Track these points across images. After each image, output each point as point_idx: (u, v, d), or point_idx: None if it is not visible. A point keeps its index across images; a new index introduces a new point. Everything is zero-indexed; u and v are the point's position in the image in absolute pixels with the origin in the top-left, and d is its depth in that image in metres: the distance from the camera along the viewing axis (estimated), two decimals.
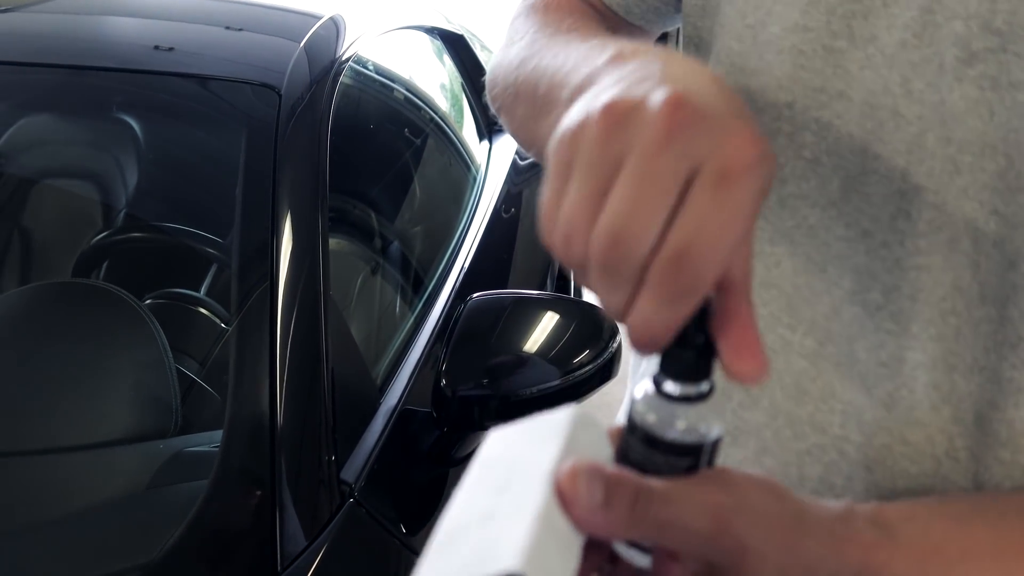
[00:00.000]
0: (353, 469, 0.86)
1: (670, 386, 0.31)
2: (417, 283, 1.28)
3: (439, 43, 1.80)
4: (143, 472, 0.87)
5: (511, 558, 0.27)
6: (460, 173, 1.61)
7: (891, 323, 0.40)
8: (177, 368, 0.96)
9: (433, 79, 1.75)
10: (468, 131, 1.77)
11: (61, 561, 0.77)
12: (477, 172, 1.65)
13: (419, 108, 1.60)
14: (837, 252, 0.41)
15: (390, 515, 0.88)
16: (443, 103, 1.72)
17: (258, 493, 0.79)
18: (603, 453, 0.33)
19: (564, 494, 0.30)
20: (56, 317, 1.00)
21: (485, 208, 1.52)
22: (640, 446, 0.32)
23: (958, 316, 0.38)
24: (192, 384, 1.01)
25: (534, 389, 0.90)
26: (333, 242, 1.05)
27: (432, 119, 1.64)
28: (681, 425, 0.31)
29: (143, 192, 1.36)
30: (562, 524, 0.30)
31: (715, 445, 0.32)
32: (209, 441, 0.92)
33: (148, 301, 1.13)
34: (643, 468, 0.32)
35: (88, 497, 0.84)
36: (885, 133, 0.39)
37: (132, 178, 1.36)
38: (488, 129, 1.82)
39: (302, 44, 1.20)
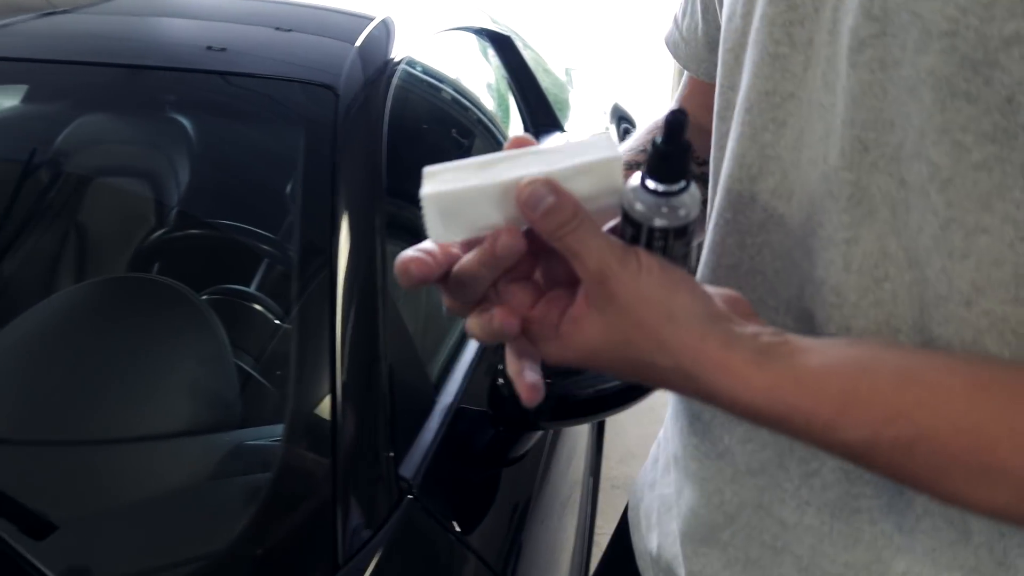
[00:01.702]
0: (411, 466, 0.87)
1: (647, 181, 0.41)
2: None
3: (486, 44, 1.81)
4: (205, 464, 0.88)
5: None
6: None
7: (834, 296, 0.46)
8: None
9: (481, 80, 1.76)
10: (515, 131, 1.77)
11: (127, 549, 0.78)
12: None
13: (468, 109, 1.61)
14: (796, 236, 0.48)
15: (446, 512, 0.88)
16: (490, 104, 1.73)
17: (320, 488, 0.80)
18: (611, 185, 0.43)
19: (523, 189, 0.40)
20: (119, 311, 1.02)
21: None
22: (622, 219, 0.43)
23: (891, 281, 0.44)
24: (248, 378, 1.03)
25: (591, 390, 0.90)
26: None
27: (480, 120, 1.64)
28: (639, 207, 0.41)
29: (196, 190, 1.38)
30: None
31: (651, 231, 0.41)
32: (268, 435, 0.93)
33: (204, 297, 1.15)
34: (622, 235, 0.43)
35: (152, 487, 0.85)
36: (812, 123, 0.45)
37: (185, 176, 1.38)
38: (535, 129, 1.83)
39: (356, 45, 1.21)
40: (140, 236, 1.35)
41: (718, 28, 0.55)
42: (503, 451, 0.96)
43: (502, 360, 0.95)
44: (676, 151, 0.40)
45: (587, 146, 0.42)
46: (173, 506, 0.82)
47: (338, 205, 0.98)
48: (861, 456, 0.40)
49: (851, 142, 0.43)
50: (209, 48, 1.31)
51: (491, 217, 0.42)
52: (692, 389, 0.42)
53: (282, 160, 1.16)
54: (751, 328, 0.42)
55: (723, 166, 0.51)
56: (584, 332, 0.42)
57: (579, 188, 0.41)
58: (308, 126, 1.08)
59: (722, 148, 0.52)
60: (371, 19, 1.31)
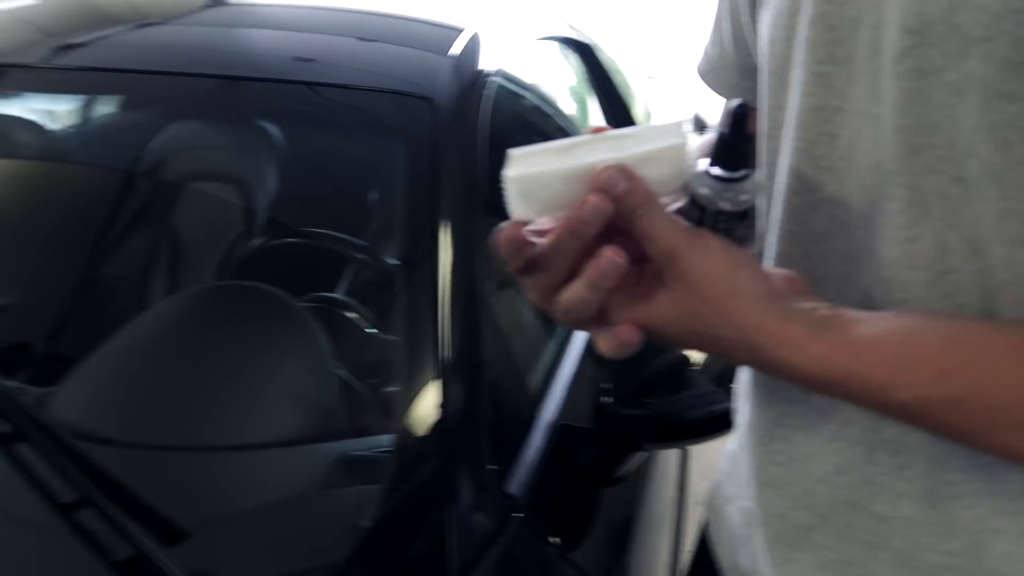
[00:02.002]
0: (516, 483, 0.86)
1: (712, 168, 0.45)
2: None
3: (570, 53, 1.80)
4: (311, 474, 0.88)
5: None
6: None
7: (902, 293, 0.48)
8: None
9: (565, 89, 1.75)
10: None
11: (237, 557, 0.79)
12: None
13: (554, 118, 1.60)
14: (859, 240, 0.50)
15: (551, 531, 0.87)
16: (575, 113, 1.72)
17: (429, 503, 0.79)
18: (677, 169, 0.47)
19: (599, 175, 0.44)
20: (225, 318, 1.03)
21: None
22: (688, 202, 0.47)
23: (956, 273, 0.46)
24: (346, 387, 1.03)
25: (701, 412, 0.87)
26: None
27: (564, 129, 1.63)
28: (703, 191, 0.45)
29: (290, 199, 1.40)
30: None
31: (716, 214, 0.46)
32: (371, 446, 0.93)
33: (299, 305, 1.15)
34: (688, 217, 0.47)
35: (261, 496, 0.85)
36: (863, 132, 0.48)
37: (278, 185, 1.40)
38: None
39: (450, 56, 1.21)
40: (234, 243, 1.37)
41: (749, 56, 0.61)
42: (606, 470, 0.94)
43: (607, 379, 0.94)
44: (739, 141, 0.44)
45: (658, 133, 0.46)
46: (282, 516, 0.82)
47: (438, 215, 0.97)
48: (917, 415, 0.44)
49: (902, 146, 0.46)
50: (298, 59, 1.32)
51: (567, 198, 0.46)
52: (754, 359, 0.47)
53: (377, 170, 1.17)
54: (807, 303, 0.46)
55: (777, 181, 0.54)
56: (655, 306, 0.46)
57: (649, 172, 0.45)
58: (405, 137, 1.08)
59: (773, 165, 0.55)
60: (461, 31, 1.31)
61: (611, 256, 0.45)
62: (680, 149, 0.45)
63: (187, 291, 1.21)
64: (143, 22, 1.47)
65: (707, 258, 0.45)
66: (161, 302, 1.17)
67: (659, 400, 0.90)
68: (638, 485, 1.05)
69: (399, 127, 1.11)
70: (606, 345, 0.48)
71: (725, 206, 0.45)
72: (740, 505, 0.66)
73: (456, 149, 1.06)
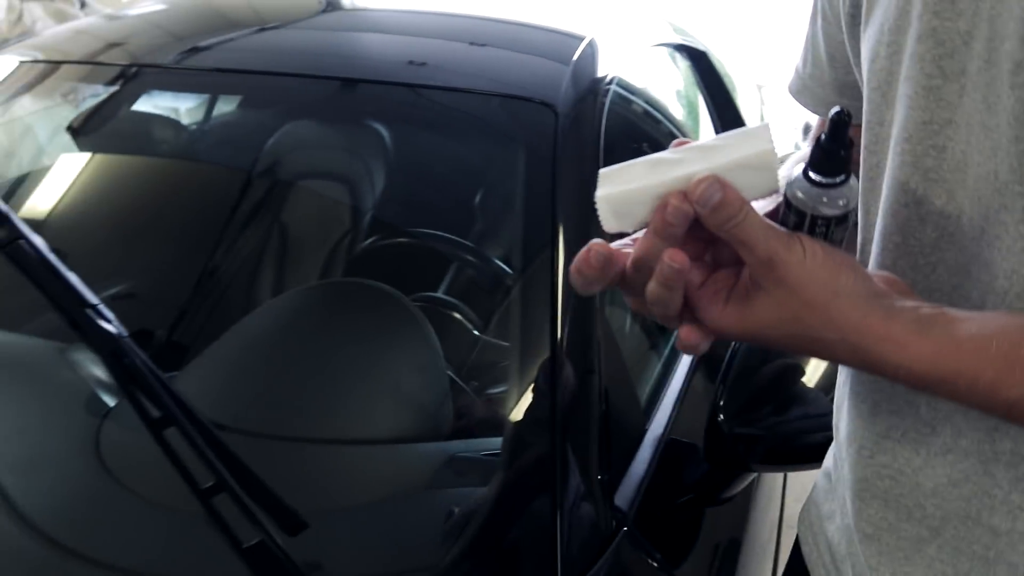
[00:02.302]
0: (624, 496, 0.85)
1: (810, 173, 0.46)
2: None
3: (684, 60, 1.77)
4: (420, 473, 0.89)
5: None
6: None
7: (1021, 303, 0.47)
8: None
9: (679, 97, 1.72)
10: None
11: (346, 551, 0.80)
12: None
13: (668, 125, 1.57)
14: (971, 252, 0.50)
15: (655, 547, 0.85)
16: (688, 121, 1.69)
17: (539, 510, 0.79)
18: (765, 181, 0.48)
19: (694, 188, 0.45)
20: (340, 314, 1.06)
21: None
22: (784, 206, 0.47)
23: None
24: (456, 388, 1.04)
25: (820, 436, 0.84)
26: None
27: (676, 136, 1.60)
28: (800, 195, 0.46)
29: (404, 199, 1.42)
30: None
31: (815, 219, 0.46)
32: (479, 448, 0.94)
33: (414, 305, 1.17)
34: (783, 221, 0.47)
35: (369, 492, 0.87)
36: (976, 144, 0.48)
37: (392, 185, 1.43)
38: None
39: (571, 64, 1.21)
40: (350, 241, 1.40)
41: (848, 73, 0.62)
42: (715, 489, 0.91)
43: (722, 396, 0.91)
44: (838, 147, 0.45)
45: (745, 139, 0.48)
46: (390, 513, 0.84)
47: (556, 223, 0.97)
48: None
49: (1020, 157, 0.45)
50: (417, 63, 1.35)
51: None
52: (858, 360, 0.47)
53: (495, 174, 1.18)
54: (910, 302, 0.46)
55: (882, 194, 0.54)
56: (754, 310, 0.47)
57: (739, 179, 0.46)
58: (526, 142, 1.08)
59: (873, 179, 0.56)
60: (582, 38, 1.31)
61: (668, 260, 0.46)
62: (769, 154, 0.47)
63: (305, 287, 1.24)
64: (263, 26, 1.53)
65: (806, 261, 0.45)
66: (279, 297, 1.21)
67: (774, 420, 0.87)
68: (743, 507, 1.02)
69: (520, 133, 1.11)
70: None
71: (824, 211, 0.46)
72: (841, 522, 0.64)
73: (575, 157, 1.06)
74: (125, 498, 0.82)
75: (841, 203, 0.46)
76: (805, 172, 0.46)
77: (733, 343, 0.95)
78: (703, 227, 0.47)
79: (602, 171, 0.50)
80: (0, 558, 0.75)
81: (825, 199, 0.46)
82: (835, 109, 0.45)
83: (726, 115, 1.81)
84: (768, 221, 0.46)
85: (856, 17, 0.58)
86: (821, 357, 0.49)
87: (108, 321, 0.52)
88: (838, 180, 0.45)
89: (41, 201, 1.39)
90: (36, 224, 1.39)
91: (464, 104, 1.16)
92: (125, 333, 0.53)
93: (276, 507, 0.60)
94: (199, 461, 0.56)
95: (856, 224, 0.59)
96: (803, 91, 0.71)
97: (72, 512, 0.81)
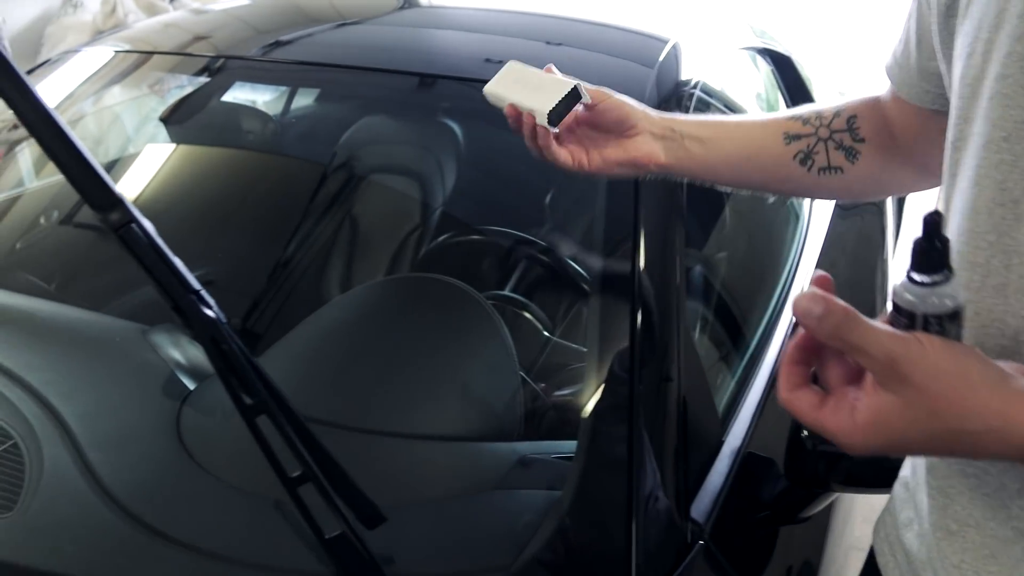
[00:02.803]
0: (701, 508, 0.83)
1: (913, 275, 0.46)
2: (747, 314, 1.22)
3: (768, 64, 1.73)
4: (492, 472, 0.89)
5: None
6: (781, 198, 1.53)
7: None
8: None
9: (760, 100, 1.69)
10: None
11: (421, 548, 0.80)
12: (800, 200, 1.56)
13: None
14: None
15: (732, 564, 0.83)
16: None
17: (613, 517, 0.77)
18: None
19: (796, 306, 0.46)
20: (412, 309, 1.06)
21: (813, 245, 1.43)
22: (893, 312, 0.47)
23: None
24: (527, 388, 1.03)
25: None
26: None
27: None
28: (908, 297, 0.46)
29: (480, 198, 1.42)
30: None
31: (926, 318, 0.46)
32: (553, 451, 0.93)
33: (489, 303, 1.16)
34: (894, 326, 0.47)
35: (440, 489, 0.87)
36: None
37: (461, 182, 1.43)
38: None
39: (656, 66, 1.19)
40: (404, 235, 1.40)
41: (931, 59, 0.64)
42: (793, 508, 0.89)
43: None
44: (934, 245, 0.45)
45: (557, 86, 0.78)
46: (462, 511, 0.84)
47: (639, 227, 0.96)
48: None
49: None
50: (488, 60, 1.34)
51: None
52: (1007, 448, 0.46)
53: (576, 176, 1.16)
54: None
55: (974, 192, 0.54)
56: (885, 418, 0.45)
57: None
58: None
59: (954, 176, 0.57)
60: (666, 41, 1.29)
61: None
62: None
63: (382, 280, 1.25)
64: (346, 22, 1.54)
65: (929, 356, 0.45)
66: (356, 289, 1.22)
67: None
68: (820, 529, 0.99)
69: None
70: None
71: (933, 309, 0.46)
72: (920, 528, 0.64)
73: None
74: (204, 479, 0.83)
75: (948, 302, 0.46)
76: (908, 274, 0.47)
77: None
78: (806, 349, 0.49)
79: (510, 64, 0.82)
80: (85, 530, 0.77)
81: (933, 298, 0.46)
82: (929, 211, 0.46)
83: None
84: (880, 324, 0.46)
85: (952, 8, 0.58)
86: (968, 454, 0.49)
87: (210, 308, 0.53)
88: (940, 278, 0.46)
89: (127, 186, 1.44)
90: None
91: None
92: (224, 320, 0.54)
93: (357, 500, 0.60)
94: (288, 450, 0.56)
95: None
96: (894, 68, 0.73)
97: (153, 490, 0.83)
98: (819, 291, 0.46)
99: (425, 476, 0.87)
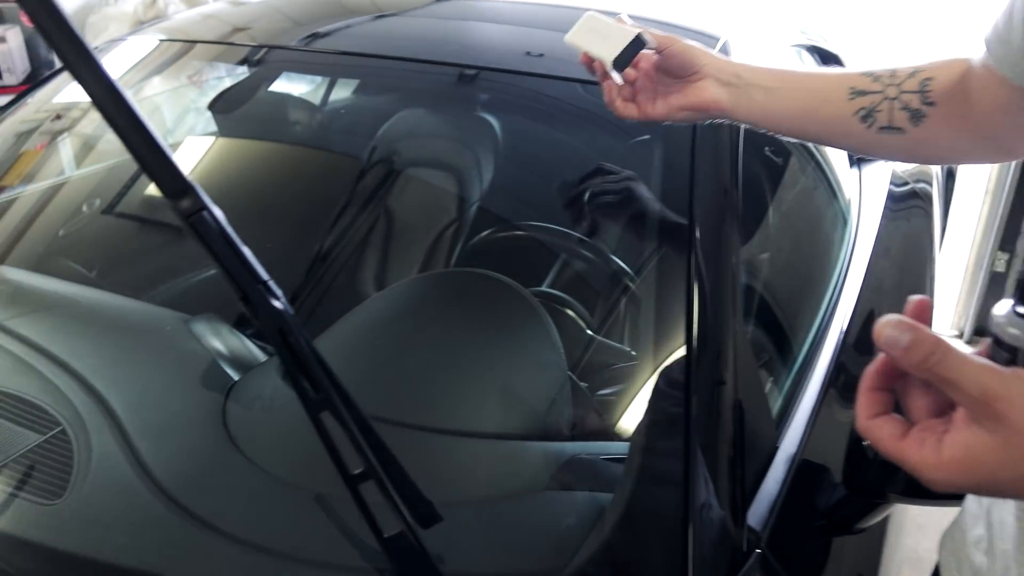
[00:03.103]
0: (757, 516, 0.80)
1: (1019, 308, 0.45)
2: (796, 318, 1.19)
3: (817, 62, 1.69)
4: (543, 472, 0.87)
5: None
6: (830, 199, 1.50)
7: None
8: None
9: None
10: (838, 157, 1.64)
11: (469, 547, 0.79)
12: (848, 200, 1.52)
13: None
14: None
15: (789, 575, 0.80)
16: None
17: (668, 523, 0.75)
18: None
19: (880, 334, 0.44)
20: (457, 304, 1.05)
21: (862, 247, 1.39)
22: (992, 344, 0.46)
23: None
24: (578, 388, 1.01)
25: None
26: None
27: (806, 146, 1.54)
28: (1012, 331, 0.44)
29: (522, 192, 1.40)
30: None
31: None
32: (604, 452, 0.91)
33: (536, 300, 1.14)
34: (994, 359, 0.45)
35: (490, 488, 0.85)
36: None
37: (493, 174, 1.41)
38: (858, 157, 1.68)
39: None
40: (440, 229, 1.39)
41: None
42: (851, 518, 0.86)
43: None
44: None
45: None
46: (514, 512, 0.82)
47: (695, 225, 0.94)
48: None
49: None
50: (528, 54, 1.32)
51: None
52: None
53: (631, 171, 1.14)
54: None
55: None
56: (975, 457, 0.43)
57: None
58: (665, 140, 1.04)
59: None
60: (715, 38, 1.26)
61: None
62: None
63: (427, 274, 1.24)
64: (386, 13, 1.53)
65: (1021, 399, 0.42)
66: (400, 283, 1.21)
67: None
68: (876, 541, 0.96)
69: (657, 130, 1.07)
70: None
71: (1001, 334, 0.45)
72: (990, 547, 0.62)
73: (713, 159, 1.02)
74: (252, 471, 0.83)
75: None
76: (1014, 308, 0.45)
77: None
78: (887, 375, 0.47)
79: (588, 15, 0.89)
80: (134, 520, 0.77)
81: (1018, 328, 0.44)
82: None
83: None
84: (973, 356, 0.44)
85: None
86: None
87: (277, 298, 0.51)
88: None
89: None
90: (157, 202, 1.45)
91: (597, 97, 1.13)
92: (291, 311, 0.53)
93: (415, 498, 0.58)
94: (345, 446, 0.55)
95: None
96: (994, 41, 0.71)
97: (201, 481, 0.83)
98: (905, 318, 0.44)
99: (474, 474, 0.86)
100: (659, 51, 0.85)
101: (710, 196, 0.97)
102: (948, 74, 0.78)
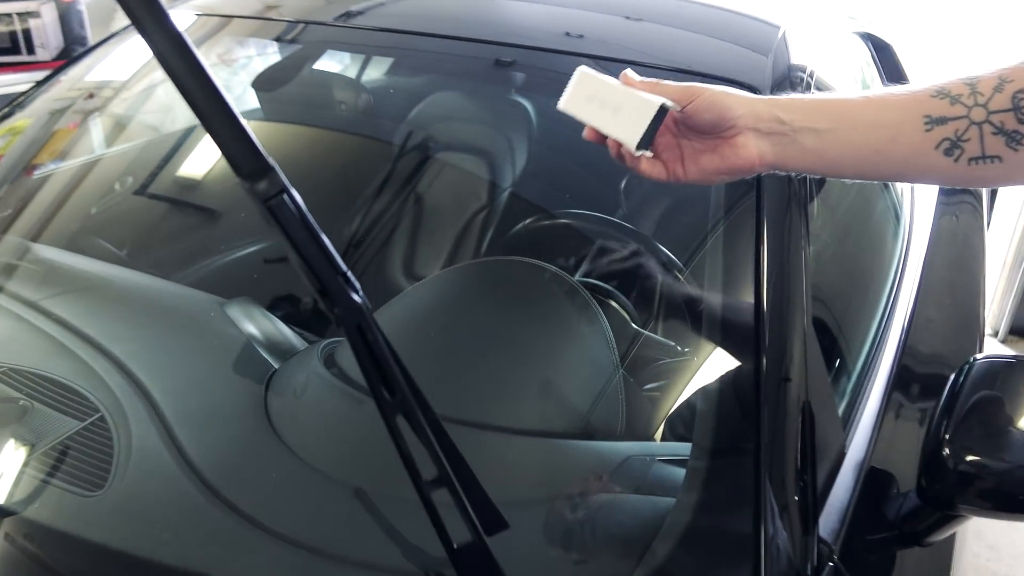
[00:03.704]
0: (829, 526, 0.77)
1: None
2: (855, 319, 1.15)
3: (870, 50, 1.64)
4: (594, 473, 0.84)
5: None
6: (882, 194, 1.45)
7: None
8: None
9: (863, 86, 1.60)
10: None
11: (526, 550, 0.75)
12: (900, 194, 1.47)
13: None
14: None
15: None
16: None
17: (739, 531, 0.72)
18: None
19: None
20: (507, 295, 1.01)
21: (917, 246, 1.35)
22: None
23: None
24: (626, 384, 0.98)
25: None
26: None
27: None
28: None
29: (570, 181, 1.36)
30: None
31: None
32: (658, 451, 0.87)
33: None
34: None
35: (544, 490, 0.82)
36: None
37: (539, 158, 1.37)
38: None
39: (771, 52, 1.12)
40: (471, 214, 1.35)
41: None
42: (925, 530, 0.82)
43: (949, 427, 0.82)
44: None
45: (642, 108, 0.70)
46: (573, 516, 0.78)
47: (762, 217, 0.89)
48: None
49: None
50: (567, 34, 1.27)
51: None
52: None
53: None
54: None
55: None
56: None
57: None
58: None
59: None
60: (776, 26, 1.21)
61: None
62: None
63: (473, 262, 1.20)
64: None
65: None
66: (445, 272, 1.17)
67: (1008, 460, 0.77)
68: (945, 555, 0.92)
69: None
70: None
71: None
72: None
73: None
74: (297, 465, 0.79)
75: None
76: None
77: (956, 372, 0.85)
78: None
79: (580, 73, 0.75)
80: (177, 514, 0.74)
81: None
82: None
83: None
84: None
85: None
86: None
87: (356, 292, 0.48)
88: None
89: (192, 161, 1.41)
90: (190, 183, 1.42)
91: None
92: (370, 306, 0.49)
93: (482, 505, 0.55)
94: (422, 449, 0.51)
95: None
96: None
97: (245, 474, 0.80)
98: None
99: (531, 475, 0.82)
100: (683, 108, 0.71)
101: (778, 188, 0.92)
102: None
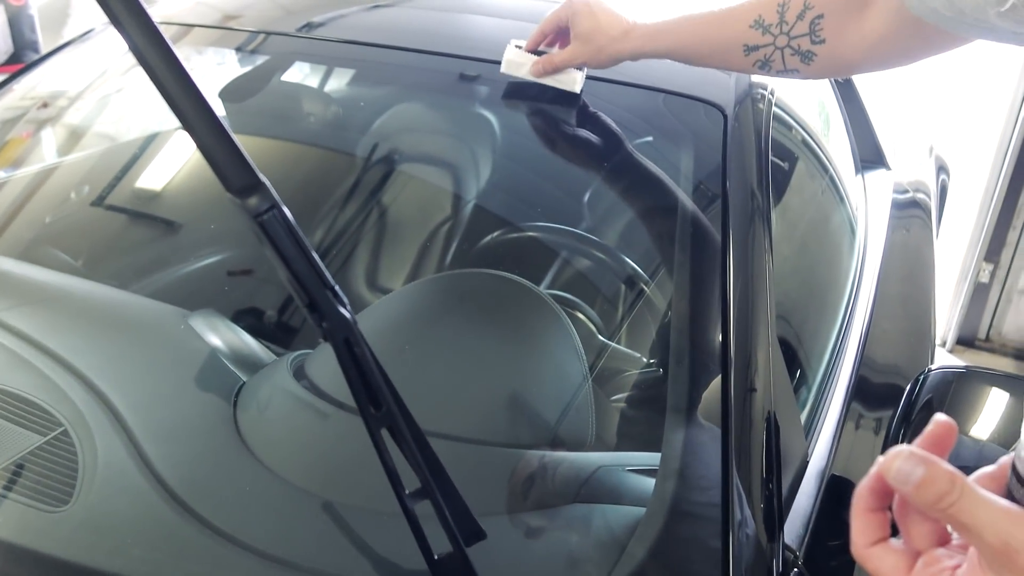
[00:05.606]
0: (792, 533, 0.79)
1: None
2: (814, 330, 1.18)
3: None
4: (566, 484, 0.85)
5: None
6: (838, 207, 1.50)
7: None
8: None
9: (813, 102, 1.65)
10: (843, 161, 1.64)
11: (498, 560, 0.76)
12: (855, 208, 1.52)
13: (816, 136, 1.50)
14: None
15: None
16: (821, 128, 1.61)
17: (707, 537, 0.73)
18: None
19: (889, 467, 0.40)
20: (475, 307, 1.02)
21: (872, 254, 1.39)
22: (1013, 480, 0.42)
23: None
24: (595, 394, 0.99)
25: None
26: None
27: (819, 150, 1.53)
28: None
29: (565, 196, 1.37)
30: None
31: None
32: (623, 462, 0.88)
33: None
34: (1013, 497, 0.41)
35: (516, 501, 0.83)
36: None
37: (550, 176, 1.38)
38: (861, 164, 1.68)
39: None
40: (434, 226, 1.36)
41: None
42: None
43: (906, 435, 0.85)
44: None
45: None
46: (542, 525, 0.79)
47: (728, 227, 0.91)
48: None
49: None
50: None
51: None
52: None
53: (664, 172, 1.11)
54: None
55: None
56: None
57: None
58: (696, 142, 1.02)
59: None
60: None
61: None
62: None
63: (442, 275, 1.20)
64: (379, 4, 1.49)
65: None
66: (413, 285, 1.18)
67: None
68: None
69: (687, 132, 1.05)
70: None
71: None
72: None
73: (743, 162, 1.00)
74: (267, 478, 0.79)
75: None
76: None
77: (912, 382, 0.88)
78: (882, 494, 0.43)
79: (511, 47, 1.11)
80: (146, 529, 0.73)
81: None
82: None
83: (860, 131, 1.73)
84: (994, 498, 0.40)
85: None
86: None
87: (344, 306, 0.48)
88: None
89: (152, 171, 1.39)
90: (150, 193, 1.40)
91: (632, 100, 1.11)
92: (356, 320, 0.49)
93: (462, 516, 0.55)
94: (412, 464, 0.52)
95: None
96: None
97: (215, 488, 0.79)
98: (918, 451, 0.40)
99: (502, 487, 0.83)
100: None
101: (743, 198, 0.95)
102: (838, 5, 0.83)
